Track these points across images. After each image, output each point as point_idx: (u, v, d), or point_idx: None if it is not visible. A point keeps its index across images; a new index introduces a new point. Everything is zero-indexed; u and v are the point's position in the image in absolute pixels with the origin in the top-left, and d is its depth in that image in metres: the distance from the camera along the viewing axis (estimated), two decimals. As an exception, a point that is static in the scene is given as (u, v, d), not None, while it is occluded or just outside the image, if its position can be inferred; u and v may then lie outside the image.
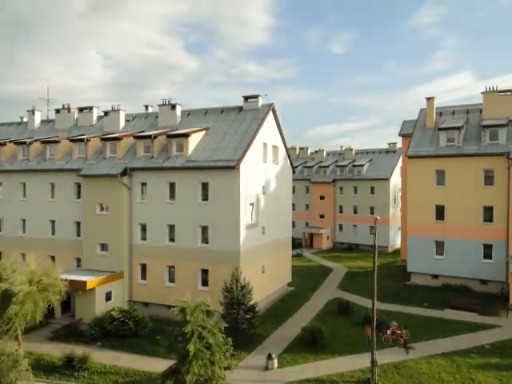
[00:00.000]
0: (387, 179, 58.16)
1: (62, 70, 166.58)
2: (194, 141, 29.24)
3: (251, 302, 24.35)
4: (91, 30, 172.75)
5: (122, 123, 35.13)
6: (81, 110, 37.52)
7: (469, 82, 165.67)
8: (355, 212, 60.95)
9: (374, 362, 19.10)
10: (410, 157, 36.08)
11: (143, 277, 29.51)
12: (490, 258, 32.60)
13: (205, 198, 27.72)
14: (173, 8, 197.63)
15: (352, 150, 66.26)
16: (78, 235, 31.32)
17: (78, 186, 31.40)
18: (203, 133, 30.42)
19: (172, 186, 28.65)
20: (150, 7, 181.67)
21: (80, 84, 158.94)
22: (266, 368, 21.00)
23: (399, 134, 46.58)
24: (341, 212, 62.47)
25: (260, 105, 31.52)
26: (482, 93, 35.82)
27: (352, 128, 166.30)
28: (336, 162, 65.59)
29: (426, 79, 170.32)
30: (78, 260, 31.23)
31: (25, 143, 34.81)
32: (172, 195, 28.66)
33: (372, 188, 59.37)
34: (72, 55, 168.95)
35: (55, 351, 22.71)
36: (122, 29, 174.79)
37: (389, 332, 23.72)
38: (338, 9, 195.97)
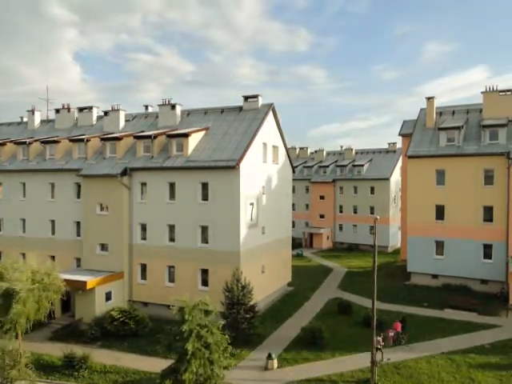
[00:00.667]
0: (387, 179, 58.15)
1: (42, 74, 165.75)
2: (193, 141, 29.24)
3: (251, 302, 24.37)
4: (83, 36, 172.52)
5: (122, 123, 35.12)
6: (81, 109, 37.48)
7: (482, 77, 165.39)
8: (355, 212, 60.93)
9: (373, 362, 19.12)
10: (410, 157, 36.07)
11: (143, 277, 29.52)
12: (490, 258, 32.60)
13: (205, 197, 27.71)
14: (164, 16, 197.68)
15: (352, 149, 66.21)
16: (78, 235, 31.32)
17: (78, 185, 31.39)
18: (203, 133, 30.42)
19: (172, 185, 28.65)
20: (141, 14, 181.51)
21: (71, 88, 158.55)
22: (266, 368, 21.00)
23: (399, 134, 46.54)
24: (341, 212, 62.44)
25: (260, 105, 31.52)
26: (482, 92, 35.81)
27: (355, 127, 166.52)
28: (336, 161, 65.54)
29: (425, 79, 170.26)
30: (78, 260, 31.23)
31: (25, 143, 34.79)
32: (172, 195, 28.66)
33: (372, 188, 59.35)
34: (58, 59, 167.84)
35: (55, 351, 22.72)
36: (115, 34, 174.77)
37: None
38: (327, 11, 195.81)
